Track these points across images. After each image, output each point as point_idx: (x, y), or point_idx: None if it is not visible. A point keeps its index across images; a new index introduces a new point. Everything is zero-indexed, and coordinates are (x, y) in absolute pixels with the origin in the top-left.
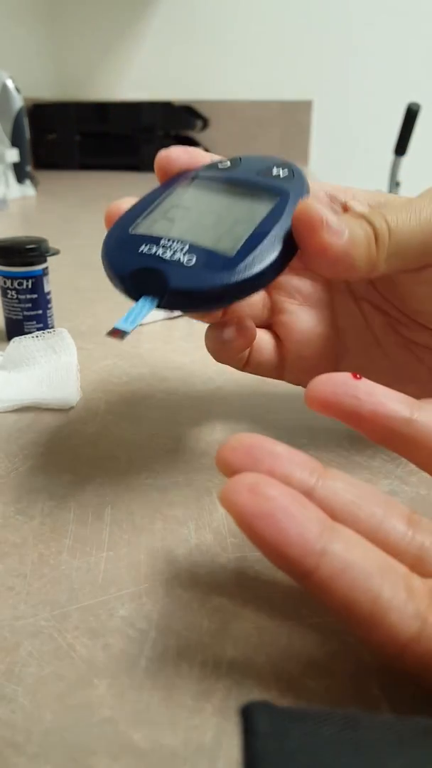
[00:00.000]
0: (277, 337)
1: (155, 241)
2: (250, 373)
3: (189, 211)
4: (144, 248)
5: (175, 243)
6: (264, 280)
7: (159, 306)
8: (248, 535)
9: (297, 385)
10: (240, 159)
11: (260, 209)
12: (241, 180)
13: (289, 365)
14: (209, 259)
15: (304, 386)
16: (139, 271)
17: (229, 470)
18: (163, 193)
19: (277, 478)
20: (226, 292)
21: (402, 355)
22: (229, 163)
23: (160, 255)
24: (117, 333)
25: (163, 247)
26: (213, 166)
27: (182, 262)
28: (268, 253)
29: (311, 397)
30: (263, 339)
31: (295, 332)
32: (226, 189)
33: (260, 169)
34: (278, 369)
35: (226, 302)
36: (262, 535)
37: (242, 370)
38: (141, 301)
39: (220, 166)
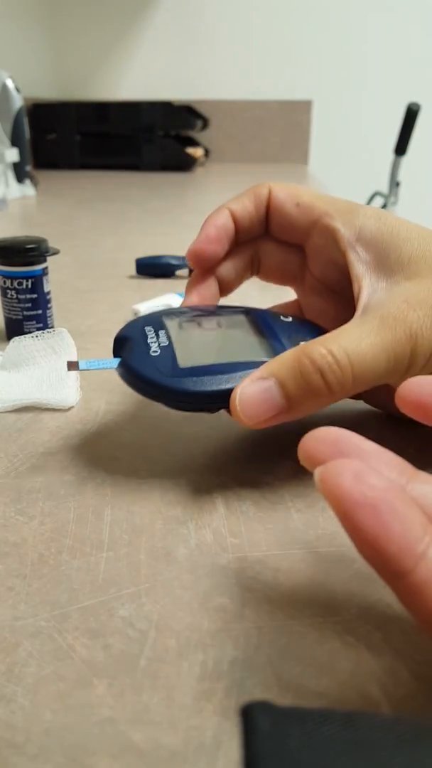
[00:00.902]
0: None
1: (159, 327)
2: None
3: (206, 325)
4: (146, 327)
5: (164, 337)
6: (185, 400)
7: (118, 369)
8: (345, 523)
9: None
10: (297, 320)
11: (247, 354)
12: (268, 328)
13: None
14: (166, 359)
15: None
16: (126, 337)
17: (313, 463)
18: (218, 307)
19: None
20: (151, 387)
21: None
22: (290, 319)
23: (147, 335)
24: (74, 365)
25: (157, 334)
26: (276, 314)
27: (150, 349)
28: (203, 385)
29: (403, 398)
30: None
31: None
32: (252, 327)
33: (295, 333)
34: None
35: (153, 397)
36: (363, 526)
37: None
38: (112, 359)
39: (282, 317)
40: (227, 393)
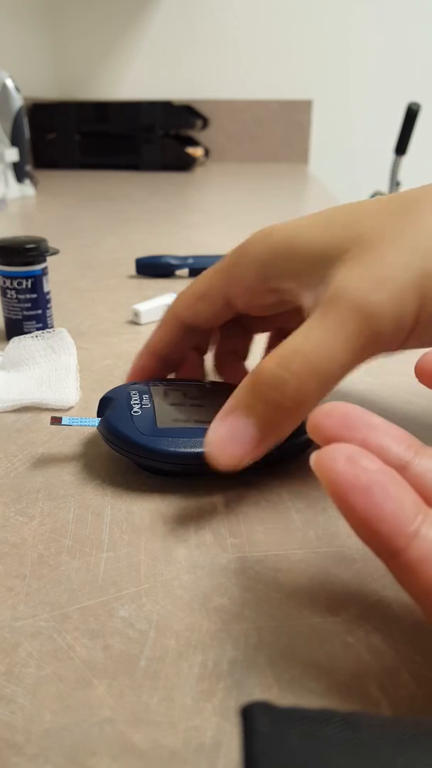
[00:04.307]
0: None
1: (144, 392)
2: None
3: (190, 394)
4: (132, 391)
5: (147, 400)
6: (159, 459)
7: (99, 427)
8: (339, 504)
9: None
10: None
11: None
12: None
13: None
14: (146, 419)
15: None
16: (111, 399)
17: (321, 436)
18: (208, 381)
19: (372, 449)
20: (127, 444)
21: None
22: None
23: (131, 397)
24: (57, 420)
25: (141, 397)
26: None
27: (132, 410)
28: (177, 446)
29: (423, 369)
30: None
31: None
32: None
33: None
34: None
35: (129, 454)
36: (355, 506)
37: None
38: (95, 418)
39: None
40: (200, 456)
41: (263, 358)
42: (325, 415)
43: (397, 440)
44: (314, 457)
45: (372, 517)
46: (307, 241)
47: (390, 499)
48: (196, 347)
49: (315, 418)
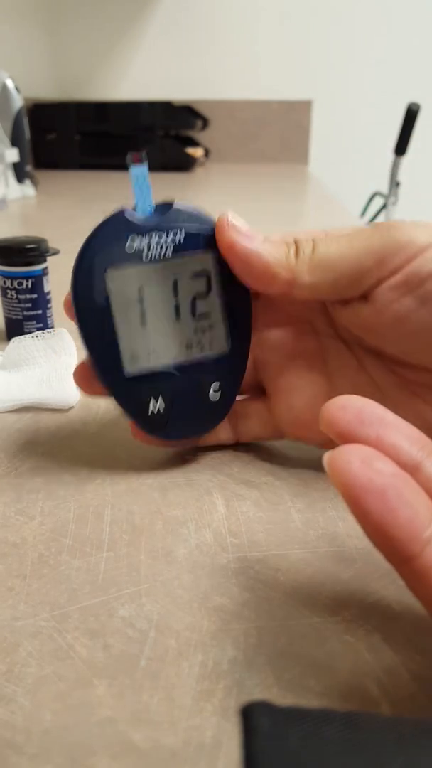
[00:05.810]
0: (266, 397)
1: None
2: (247, 442)
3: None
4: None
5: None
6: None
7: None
8: (352, 507)
9: (297, 440)
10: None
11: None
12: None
13: (284, 421)
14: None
15: (304, 441)
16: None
17: (335, 430)
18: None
19: (385, 447)
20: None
21: (402, 395)
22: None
23: (128, 241)
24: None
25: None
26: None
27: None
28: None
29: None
30: (251, 407)
31: (283, 382)
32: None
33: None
34: (275, 430)
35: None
36: (369, 510)
37: (238, 442)
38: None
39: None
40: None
41: None
42: (339, 408)
43: (410, 440)
44: (327, 458)
45: (387, 522)
46: None
47: (405, 503)
48: None
49: (329, 411)
